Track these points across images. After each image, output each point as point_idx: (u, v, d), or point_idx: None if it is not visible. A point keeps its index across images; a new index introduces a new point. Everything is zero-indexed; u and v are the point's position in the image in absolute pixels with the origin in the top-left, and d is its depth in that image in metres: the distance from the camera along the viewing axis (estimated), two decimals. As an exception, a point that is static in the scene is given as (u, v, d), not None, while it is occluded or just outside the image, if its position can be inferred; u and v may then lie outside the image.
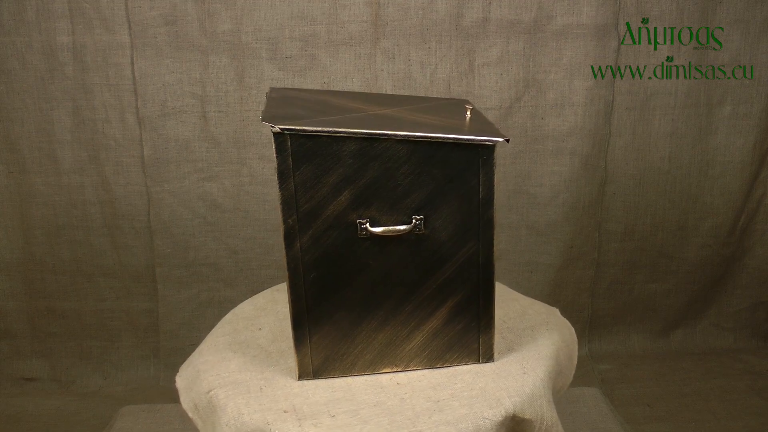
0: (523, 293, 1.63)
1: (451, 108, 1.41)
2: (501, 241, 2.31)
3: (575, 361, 1.44)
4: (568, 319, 2.45)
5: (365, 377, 1.32)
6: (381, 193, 1.23)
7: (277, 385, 1.30)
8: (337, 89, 2.11)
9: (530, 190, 2.28)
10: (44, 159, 2.20)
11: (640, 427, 2.09)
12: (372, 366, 1.33)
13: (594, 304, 2.43)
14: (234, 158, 2.21)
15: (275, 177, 1.21)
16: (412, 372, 1.33)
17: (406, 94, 2.10)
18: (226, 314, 1.59)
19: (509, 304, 1.54)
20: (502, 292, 1.59)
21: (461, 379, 1.29)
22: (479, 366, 1.33)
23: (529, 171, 2.26)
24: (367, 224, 1.24)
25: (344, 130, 1.18)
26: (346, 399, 1.26)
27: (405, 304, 1.30)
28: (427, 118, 1.31)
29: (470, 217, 1.25)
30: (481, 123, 1.29)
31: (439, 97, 1.38)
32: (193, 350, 2.42)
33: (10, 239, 2.28)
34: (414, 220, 1.24)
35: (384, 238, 1.25)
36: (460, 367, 1.33)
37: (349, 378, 1.32)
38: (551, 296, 2.36)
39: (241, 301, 1.69)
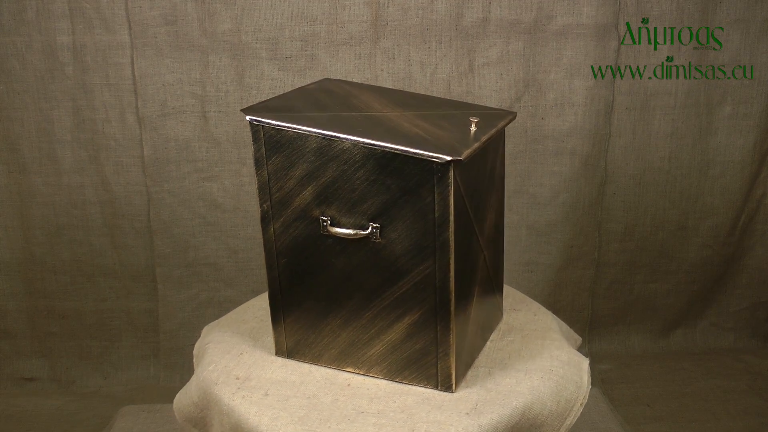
0: (523, 293, 1.62)
1: (464, 118, 1.33)
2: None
3: (568, 422, 1.30)
4: (568, 319, 2.45)
5: (329, 370, 1.35)
6: (340, 193, 1.24)
7: (255, 354, 1.40)
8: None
9: (530, 190, 2.28)
10: (44, 159, 2.20)
11: (640, 427, 2.09)
12: (337, 361, 1.35)
13: (594, 304, 2.42)
14: (234, 158, 2.21)
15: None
16: (372, 378, 1.33)
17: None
18: (226, 313, 1.61)
19: (534, 342, 1.42)
20: (543, 327, 1.47)
21: (402, 400, 1.26)
22: (434, 392, 1.28)
23: (529, 171, 2.26)
24: (328, 222, 1.26)
25: (302, 127, 1.22)
26: (293, 384, 1.31)
27: (365, 310, 1.29)
28: (418, 126, 1.26)
29: (426, 236, 1.20)
30: (465, 139, 1.22)
31: (487, 106, 1.30)
32: (193, 350, 2.42)
33: (10, 239, 2.28)
34: (371, 227, 1.23)
35: (344, 239, 1.25)
36: (417, 388, 1.29)
37: (315, 366, 1.36)
38: (551, 296, 2.36)
39: (241, 301, 1.70)
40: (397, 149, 1.16)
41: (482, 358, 1.37)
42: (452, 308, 1.22)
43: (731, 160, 2.30)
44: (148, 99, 2.14)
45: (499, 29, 2.12)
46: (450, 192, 1.15)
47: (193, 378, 1.39)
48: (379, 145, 1.18)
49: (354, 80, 2.13)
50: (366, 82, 2.14)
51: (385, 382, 1.32)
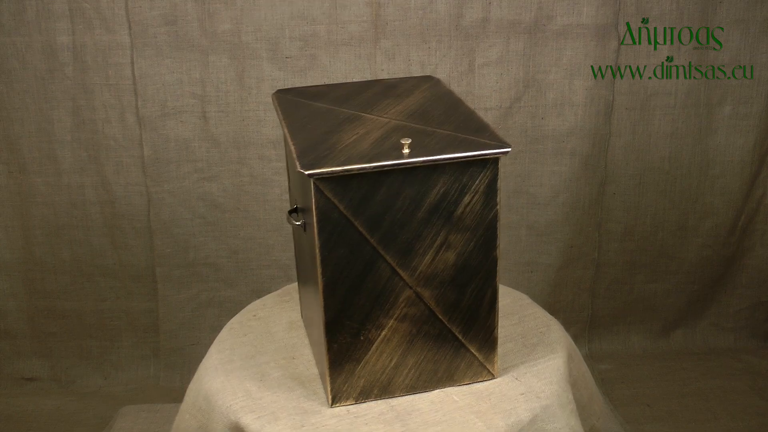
0: (523, 293, 1.61)
1: (430, 139, 1.21)
2: (501, 241, 2.31)
3: None
4: (568, 319, 2.44)
5: (306, 341, 1.40)
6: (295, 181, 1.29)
7: (292, 308, 1.50)
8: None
9: (530, 190, 2.28)
10: (44, 159, 2.20)
11: (640, 427, 2.09)
12: (310, 336, 1.38)
13: (594, 304, 2.42)
14: (234, 158, 2.21)
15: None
16: (314, 369, 1.32)
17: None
18: (227, 314, 1.62)
19: (467, 416, 1.19)
20: (505, 410, 1.21)
21: (296, 388, 1.25)
22: (321, 398, 1.23)
23: (529, 171, 2.26)
24: (297, 204, 1.30)
25: (280, 113, 1.31)
26: (272, 339, 1.40)
27: (317, 295, 1.26)
28: (366, 136, 1.20)
29: (313, 246, 1.15)
30: (361, 158, 1.11)
31: (498, 137, 1.21)
32: (193, 350, 2.43)
33: (10, 239, 2.28)
34: (301, 219, 1.24)
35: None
36: (321, 393, 1.25)
37: (305, 341, 1.41)
38: (551, 296, 2.36)
39: (241, 301, 1.71)
40: (292, 149, 1.16)
41: (405, 400, 1.24)
42: (323, 323, 1.16)
43: (731, 160, 2.30)
44: (148, 99, 2.14)
45: (499, 29, 2.12)
46: (312, 204, 1.10)
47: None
48: (288, 141, 1.20)
49: (353, 80, 2.13)
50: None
51: (315, 371, 1.31)
